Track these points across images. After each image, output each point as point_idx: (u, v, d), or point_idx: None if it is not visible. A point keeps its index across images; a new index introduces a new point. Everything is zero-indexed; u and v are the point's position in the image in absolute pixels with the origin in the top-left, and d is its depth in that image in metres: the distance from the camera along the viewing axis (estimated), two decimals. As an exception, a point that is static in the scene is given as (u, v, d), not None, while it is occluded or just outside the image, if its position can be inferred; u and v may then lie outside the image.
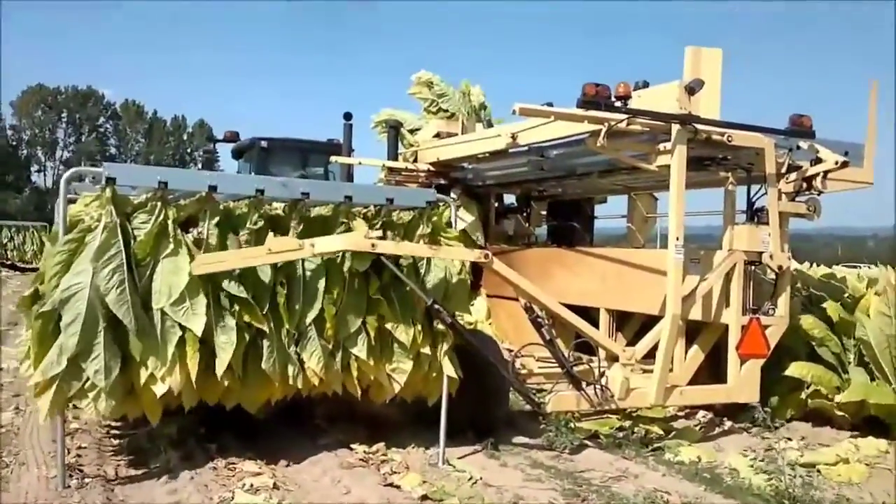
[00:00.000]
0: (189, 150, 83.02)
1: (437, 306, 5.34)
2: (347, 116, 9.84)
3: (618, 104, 5.72)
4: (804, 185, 6.54)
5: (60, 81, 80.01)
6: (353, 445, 5.71)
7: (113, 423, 6.12)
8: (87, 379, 4.51)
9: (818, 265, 11.04)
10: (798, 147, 6.53)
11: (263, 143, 11.60)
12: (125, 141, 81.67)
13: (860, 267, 10.63)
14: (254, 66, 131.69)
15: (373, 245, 5.10)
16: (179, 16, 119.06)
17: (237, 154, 12.56)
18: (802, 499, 4.64)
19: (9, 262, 28.33)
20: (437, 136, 9.48)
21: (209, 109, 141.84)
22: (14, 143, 73.87)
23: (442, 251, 5.44)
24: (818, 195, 6.57)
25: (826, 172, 6.42)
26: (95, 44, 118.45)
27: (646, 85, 6.28)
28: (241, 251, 4.92)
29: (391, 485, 4.95)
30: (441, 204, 5.64)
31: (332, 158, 9.73)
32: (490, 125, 9.54)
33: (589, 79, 5.68)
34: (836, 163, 6.34)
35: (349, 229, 5.25)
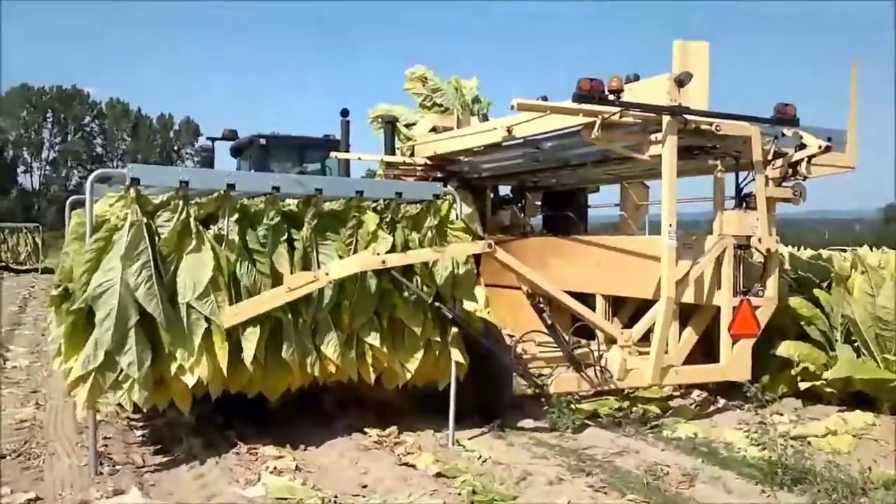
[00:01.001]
0: (176, 148, 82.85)
1: (437, 304, 5.62)
2: (344, 113, 10.06)
3: (611, 97, 6.00)
4: (790, 170, 6.80)
5: (44, 81, 79.48)
6: (365, 429, 5.96)
7: (132, 415, 6.36)
8: (122, 370, 4.74)
9: (805, 249, 11.40)
10: (783, 134, 6.81)
11: (262, 141, 11.82)
12: (111, 140, 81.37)
13: (846, 251, 10.96)
14: (242, 64, 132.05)
15: (383, 262, 5.40)
16: (165, 16, 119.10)
17: (236, 152, 12.75)
18: (794, 466, 4.93)
19: (3, 264, 28.36)
20: (433, 130, 9.74)
21: (195, 107, 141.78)
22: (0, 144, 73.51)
23: (447, 252, 5.70)
24: (803, 180, 6.85)
25: (810, 157, 6.69)
26: (78, 43, 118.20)
27: (637, 78, 6.55)
28: (262, 296, 5.17)
29: (406, 464, 5.20)
30: (447, 197, 5.88)
31: (332, 154, 9.95)
32: (485, 118, 9.78)
33: (582, 71, 5.97)
34: (820, 147, 6.62)
35: (360, 222, 5.51)
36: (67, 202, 7.44)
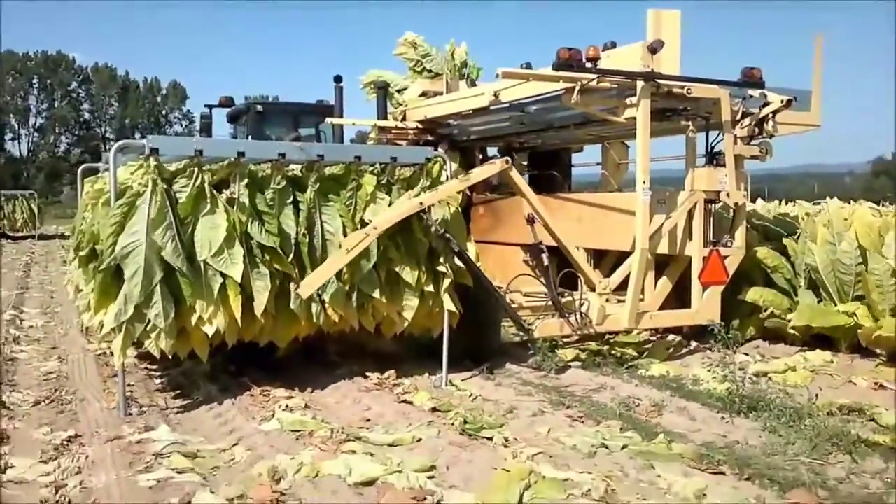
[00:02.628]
0: (164, 112, 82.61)
1: (447, 234, 6.18)
2: (338, 79, 10.45)
3: (588, 65, 6.47)
4: (757, 129, 7.31)
5: (29, 47, 79.03)
6: (366, 374, 6.52)
7: (150, 366, 6.92)
8: (149, 322, 5.28)
9: (793, 202, 11.95)
10: (750, 96, 7.30)
11: (259, 108, 12.24)
12: (99, 105, 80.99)
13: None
14: (230, 26, 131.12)
15: (421, 203, 6.04)
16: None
17: (232, 118, 13.14)
18: (751, 396, 5.52)
19: (0, 231, 28.65)
20: (424, 95, 10.13)
21: (183, 70, 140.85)
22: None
23: (472, 176, 6.47)
24: (770, 138, 7.37)
25: (775, 112, 7.18)
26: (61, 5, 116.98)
27: (613, 46, 7.00)
28: (327, 262, 5.76)
29: (405, 401, 5.78)
30: (438, 159, 6.39)
31: (328, 120, 10.37)
32: (473, 83, 10.20)
33: (561, 41, 6.44)
34: (782, 101, 7.13)
35: (359, 185, 6.03)
36: (79, 170, 7.95)
